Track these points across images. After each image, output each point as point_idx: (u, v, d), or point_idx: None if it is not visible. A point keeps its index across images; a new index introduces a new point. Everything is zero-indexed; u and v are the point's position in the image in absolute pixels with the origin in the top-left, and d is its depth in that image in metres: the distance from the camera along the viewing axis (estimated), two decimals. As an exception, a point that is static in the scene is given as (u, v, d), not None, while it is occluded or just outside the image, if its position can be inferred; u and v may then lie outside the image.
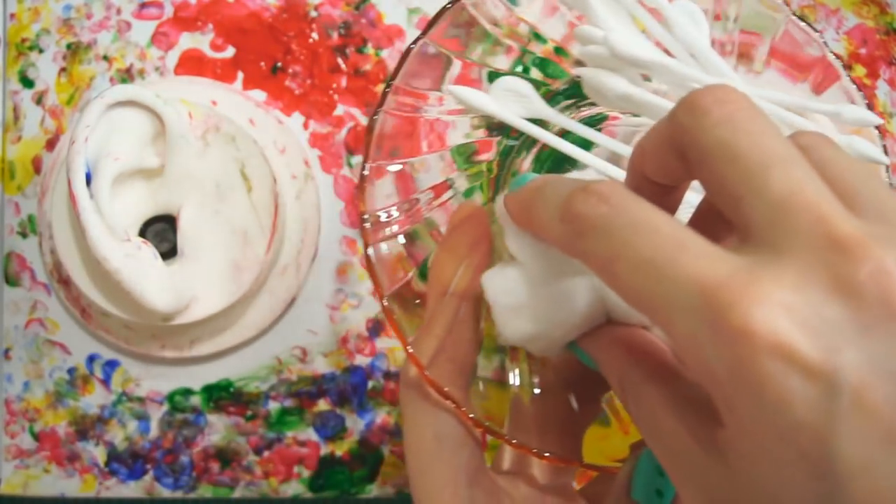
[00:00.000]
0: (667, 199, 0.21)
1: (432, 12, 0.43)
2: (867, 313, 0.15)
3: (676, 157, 0.19)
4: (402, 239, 0.29)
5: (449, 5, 0.29)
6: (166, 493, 0.43)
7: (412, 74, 0.29)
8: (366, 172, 0.28)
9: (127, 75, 0.43)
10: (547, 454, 0.25)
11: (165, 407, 0.43)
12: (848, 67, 0.45)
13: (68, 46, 0.43)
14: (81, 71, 0.43)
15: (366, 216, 0.28)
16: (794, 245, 0.16)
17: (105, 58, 0.43)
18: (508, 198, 0.23)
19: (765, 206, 0.17)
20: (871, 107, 0.41)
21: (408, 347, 0.25)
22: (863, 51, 0.45)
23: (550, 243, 0.21)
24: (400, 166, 0.29)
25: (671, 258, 0.17)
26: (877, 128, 0.28)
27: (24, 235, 0.43)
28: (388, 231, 0.29)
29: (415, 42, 0.29)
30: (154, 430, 0.43)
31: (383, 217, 0.29)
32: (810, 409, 0.15)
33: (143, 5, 0.43)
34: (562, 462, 0.25)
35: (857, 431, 0.15)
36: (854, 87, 0.29)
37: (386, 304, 0.27)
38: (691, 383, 0.20)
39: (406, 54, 0.28)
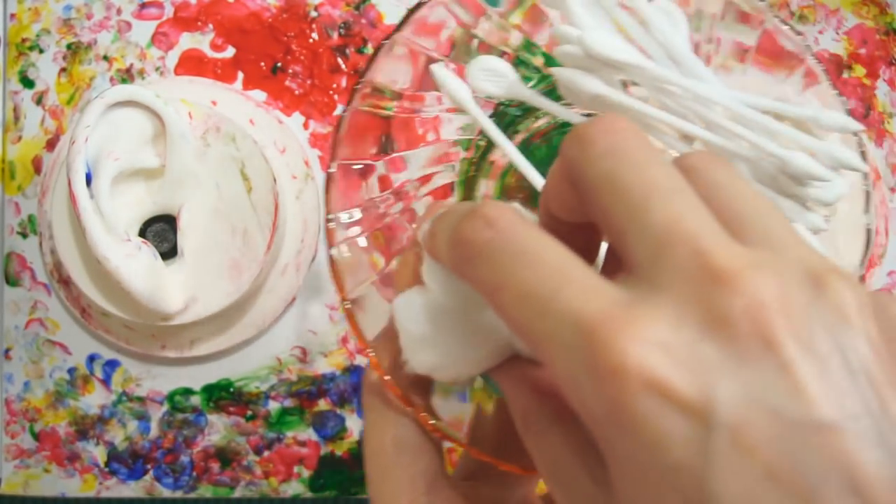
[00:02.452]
0: (581, 238, 0.20)
1: (432, 12, 0.43)
2: (742, 348, 0.15)
3: (573, 192, 0.19)
4: (363, 241, 0.28)
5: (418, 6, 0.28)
6: (166, 492, 0.43)
7: (387, 71, 0.28)
8: (332, 170, 0.27)
9: (127, 75, 0.43)
10: (506, 463, 0.24)
11: (165, 407, 0.43)
12: (847, 67, 0.45)
13: (68, 46, 0.43)
14: (81, 71, 0.43)
15: (330, 216, 0.27)
16: (672, 279, 0.16)
17: (105, 58, 0.43)
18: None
19: (646, 239, 0.16)
20: (869, 110, 0.40)
21: (368, 351, 0.25)
22: (862, 51, 0.45)
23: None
24: (361, 166, 0.29)
25: (552, 291, 0.16)
26: (854, 133, 0.27)
27: (24, 235, 0.43)
28: (351, 232, 0.28)
29: (388, 38, 0.28)
30: (154, 430, 0.43)
31: (344, 218, 0.28)
32: (687, 448, 0.14)
33: (143, 5, 0.43)
34: (521, 471, 0.25)
35: (736, 469, 0.14)
36: (835, 92, 0.28)
37: (348, 307, 0.26)
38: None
39: (377, 50, 0.28)
